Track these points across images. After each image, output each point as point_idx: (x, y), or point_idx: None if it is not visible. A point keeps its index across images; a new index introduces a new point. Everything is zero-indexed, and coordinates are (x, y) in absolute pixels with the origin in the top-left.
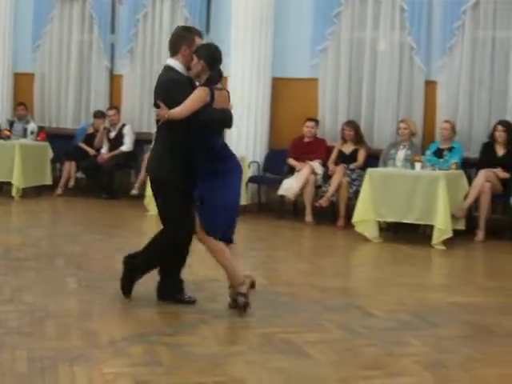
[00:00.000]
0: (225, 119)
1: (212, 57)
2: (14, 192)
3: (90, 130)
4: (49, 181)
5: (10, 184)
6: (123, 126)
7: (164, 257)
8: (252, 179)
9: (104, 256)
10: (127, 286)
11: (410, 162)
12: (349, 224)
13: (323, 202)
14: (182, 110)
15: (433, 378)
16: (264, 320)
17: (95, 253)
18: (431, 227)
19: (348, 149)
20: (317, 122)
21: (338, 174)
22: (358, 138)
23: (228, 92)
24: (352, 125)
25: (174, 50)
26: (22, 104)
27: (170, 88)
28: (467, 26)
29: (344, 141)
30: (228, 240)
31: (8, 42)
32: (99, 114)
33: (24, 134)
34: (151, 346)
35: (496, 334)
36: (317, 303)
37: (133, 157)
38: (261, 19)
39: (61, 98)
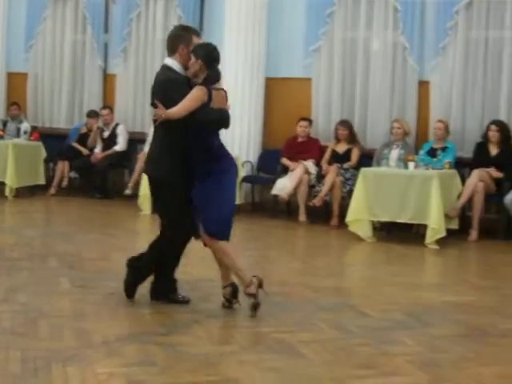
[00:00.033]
0: (222, 119)
1: (210, 56)
2: (7, 192)
3: (84, 130)
4: (42, 180)
5: (3, 184)
6: (117, 125)
7: (165, 258)
8: (246, 179)
9: (97, 256)
10: (131, 288)
11: (403, 162)
12: (342, 223)
13: (317, 202)
14: (179, 110)
15: (426, 378)
16: (257, 319)
17: (88, 253)
18: (425, 227)
19: (341, 148)
20: (310, 121)
21: (332, 174)
22: (352, 138)
23: (225, 92)
24: (346, 124)
25: (171, 50)
26: (15, 104)
27: (167, 87)
28: (460, 25)
29: (337, 140)
30: (226, 240)
31: (1, 42)
32: (92, 114)
33: (17, 134)
34: (145, 345)
35: (489, 334)
36: (310, 303)
37: (126, 156)
38: (254, 19)
39: (54, 98)
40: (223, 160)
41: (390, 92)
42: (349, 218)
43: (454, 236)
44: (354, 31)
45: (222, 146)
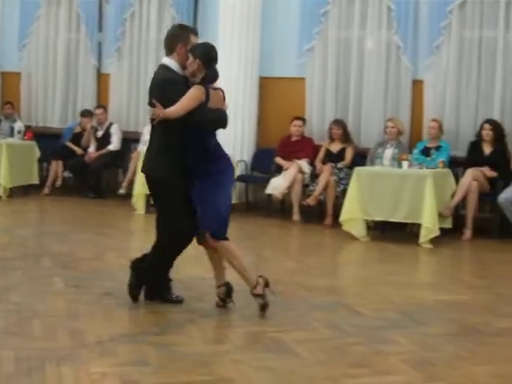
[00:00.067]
0: (220, 119)
1: (208, 56)
2: (0, 191)
3: (78, 129)
4: (36, 180)
5: None
6: (110, 124)
7: (168, 258)
8: (240, 178)
9: (91, 255)
10: (135, 291)
11: (397, 161)
12: (336, 223)
13: (311, 201)
14: (177, 109)
15: (420, 376)
16: (251, 319)
17: (82, 252)
18: (418, 226)
19: (335, 148)
20: (304, 120)
21: (326, 173)
22: (346, 137)
23: (223, 91)
24: (340, 124)
25: (169, 49)
26: (8, 103)
27: (165, 87)
28: (454, 25)
29: (331, 140)
30: (224, 238)
31: None
32: (86, 113)
33: (11, 134)
34: (138, 345)
35: (483, 333)
36: (304, 302)
37: (120, 156)
38: (248, 18)
39: (48, 97)
40: (221, 160)
41: (383, 91)
42: (343, 217)
43: (448, 235)
44: (348, 30)
45: (218, 145)
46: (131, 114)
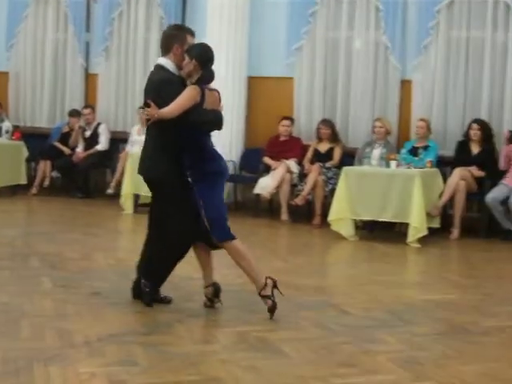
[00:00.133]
0: (215, 120)
1: (204, 56)
2: None
3: (66, 129)
4: (24, 180)
5: None
6: (98, 124)
7: (178, 258)
8: (228, 178)
9: (79, 255)
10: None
11: (385, 161)
12: (325, 222)
13: (299, 201)
14: (172, 109)
15: (408, 376)
16: (239, 318)
17: (70, 252)
18: (407, 225)
19: (323, 147)
20: (292, 120)
21: (314, 173)
22: (334, 137)
23: (219, 93)
24: (328, 123)
25: (165, 49)
26: None
27: (161, 88)
28: (442, 25)
29: (319, 139)
30: (232, 237)
31: None
32: (74, 113)
33: None
34: (126, 345)
35: (471, 332)
36: (292, 301)
37: (108, 156)
38: (236, 18)
39: (36, 97)
40: (217, 161)
41: (371, 91)
42: (331, 216)
43: (436, 234)
44: (337, 31)
45: (213, 146)
46: (119, 113)
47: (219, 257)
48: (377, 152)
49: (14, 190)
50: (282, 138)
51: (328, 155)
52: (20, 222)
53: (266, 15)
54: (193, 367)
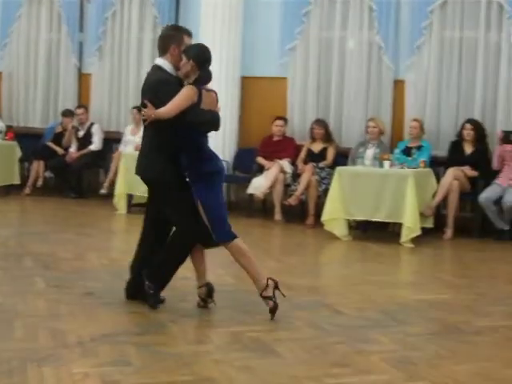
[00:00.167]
0: (213, 121)
1: (202, 57)
2: None
3: (59, 129)
4: (17, 180)
5: None
6: (92, 124)
7: (179, 263)
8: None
9: (73, 256)
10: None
11: (378, 161)
12: (318, 222)
13: (292, 201)
14: (169, 109)
15: (401, 376)
16: (233, 318)
17: (64, 252)
18: (400, 225)
19: (317, 147)
20: (286, 120)
21: (307, 173)
22: (327, 137)
23: (216, 93)
24: (321, 123)
25: (162, 50)
26: None
27: (158, 88)
28: (435, 25)
29: (313, 139)
30: (234, 237)
31: None
32: (67, 113)
33: None
34: (120, 345)
35: (464, 331)
36: (286, 301)
37: (101, 156)
38: (230, 18)
39: (29, 97)
40: (213, 161)
41: (365, 91)
42: (324, 216)
43: (429, 234)
44: (330, 31)
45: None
46: (112, 113)
47: (213, 257)
48: (370, 152)
49: (8, 190)
50: (276, 138)
51: (321, 155)
52: (13, 222)
53: (260, 15)
54: (186, 367)
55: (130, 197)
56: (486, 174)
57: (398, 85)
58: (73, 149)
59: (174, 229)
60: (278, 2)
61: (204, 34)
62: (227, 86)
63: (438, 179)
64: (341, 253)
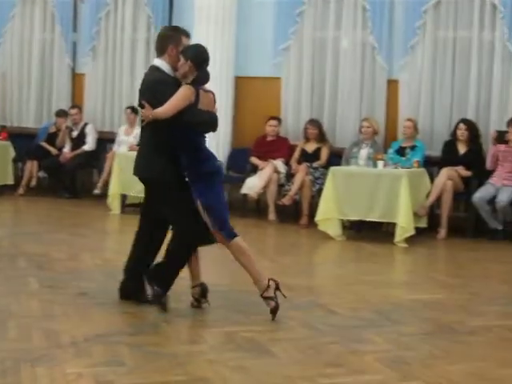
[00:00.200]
0: (210, 122)
1: (199, 57)
2: None
3: (52, 129)
4: (11, 180)
5: None
6: (85, 124)
7: (183, 263)
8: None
9: (66, 256)
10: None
11: (372, 161)
12: (312, 222)
13: (286, 201)
14: (166, 109)
15: (395, 375)
16: (226, 318)
17: (57, 253)
18: (394, 225)
19: (311, 147)
20: (279, 120)
21: (301, 173)
22: (321, 137)
23: (214, 94)
24: (315, 123)
25: (160, 50)
26: None
27: (155, 88)
28: (429, 25)
29: (307, 139)
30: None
31: None
32: (61, 113)
33: None
34: (113, 345)
35: (458, 331)
36: (280, 301)
37: (95, 156)
38: (223, 18)
39: (22, 97)
40: (212, 160)
41: (359, 91)
42: (318, 216)
43: (423, 234)
44: (324, 30)
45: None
46: (106, 114)
47: (206, 257)
48: (364, 152)
49: (1, 191)
50: (269, 138)
51: (315, 155)
52: (7, 222)
53: (254, 15)
54: (180, 367)
55: (123, 197)
56: (480, 173)
57: (392, 85)
58: (66, 149)
59: (170, 231)
60: (272, 2)
61: (198, 34)
62: (221, 86)
63: (432, 179)
64: (335, 253)
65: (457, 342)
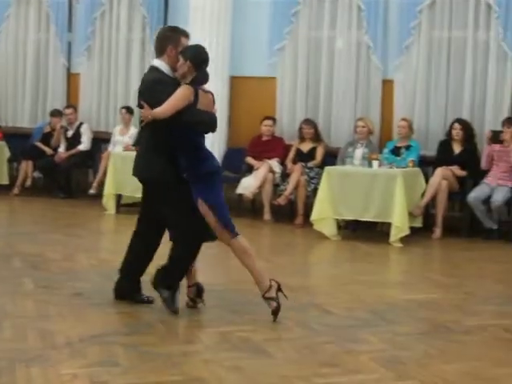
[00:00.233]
0: (210, 122)
1: (199, 58)
2: None
3: (47, 129)
4: (5, 180)
5: None
6: (80, 124)
7: (188, 264)
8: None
9: (61, 256)
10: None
11: (367, 160)
12: (307, 222)
13: (281, 201)
14: (165, 109)
15: (390, 375)
16: (222, 318)
17: (52, 253)
18: (389, 225)
19: (306, 147)
20: (274, 120)
21: (296, 173)
22: (316, 137)
23: (213, 95)
24: (310, 123)
25: (159, 51)
26: None
27: (154, 88)
28: (423, 25)
29: (302, 139)
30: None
31: None
32: (56, 113)
33: None
34: (108, 346)
35: (453, 331)
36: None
37: (90, 156)
38: (218, 18)
39: (17, 97)
40: (211, 160)
41: (354, 91)
42: (313, 216)
43: (418, 234)
44: (319, 30)
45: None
46: (101, 113)
47: (202, 256)
48: (359, 152)
49: None
50: (265, 138)
51: (310, 155)
52: (2, 222)
53: (249, 15)
54: (175, 367)
55: (118, 197)
56: (475, 173)
57: (387, 85)
58: (61, 149)
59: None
60: (267, 2)
61: (193, 34)
62: (216, 86)
63: (427, 179)
64: (330, 252)
65: (452, 342)
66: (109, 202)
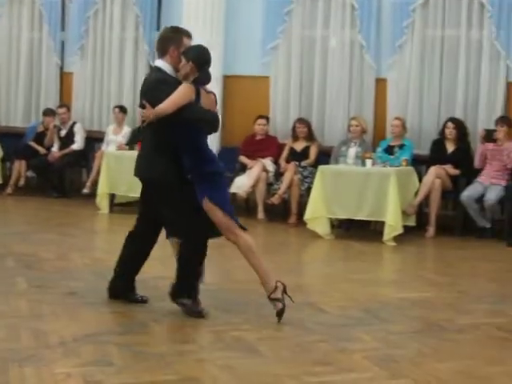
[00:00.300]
0: (211, 120)
1: (201, 58)
2: None
3: (40, 129)
4: None
5: None
6: (74, 124)
7: (198, 261)
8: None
9: (55, 256)
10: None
11: (360, 159)
12: (301, 221)
13: (275, 200)
14: (166, 106)
15: (384, 374)
16: (215, 318)
17: (46, 252)
18: (382, 224)
19: (299, 146)
20: (268, 119)
21: (290, 172)
22: (310, 136)
23: (215, 95)
24: (304, 122)
25: (162, 51)
26: None
27: (156, 87)
28: (417, 24)
29: (295, 138)
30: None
31: None
32: (49, 112)
33: None
34: (102, 345)
35: (446, 329)
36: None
37: (84, 155)
38: (212, 17)
39: (10, 96)
40: (215, 161)
41: (347, 90)
42: (307, 215)
43: (412, 233)
44: (312, 29)
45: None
46: (94, 113)
47: None
48: (352, 151)
49: None
50: (258, 137)
51: (304, 154)
52: None
53: (242, 14)
54: (169, 367)
55: (112, 196)
56: (468, 172)
57: (380, 83)
58: (55, 148)
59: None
60: (260, 1)
61: None
62: (209, 85)
63: (420, 178)
64: (323, 251)
65: (445, 340)
66: (102, 201)
